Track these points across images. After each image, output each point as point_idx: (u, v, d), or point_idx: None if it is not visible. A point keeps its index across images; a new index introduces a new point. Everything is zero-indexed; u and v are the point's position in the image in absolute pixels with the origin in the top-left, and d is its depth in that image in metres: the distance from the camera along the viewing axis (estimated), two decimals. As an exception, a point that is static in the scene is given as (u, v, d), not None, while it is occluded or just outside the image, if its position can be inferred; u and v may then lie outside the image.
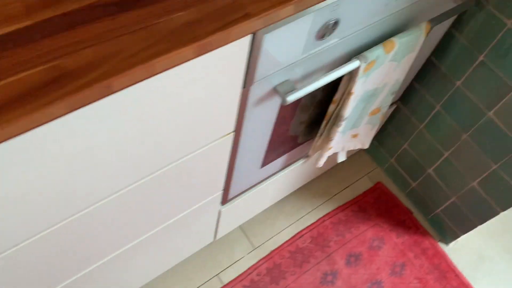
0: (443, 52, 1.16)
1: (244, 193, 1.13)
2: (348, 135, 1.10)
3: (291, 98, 0.73)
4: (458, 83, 1.17)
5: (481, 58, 1.08)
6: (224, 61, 0.59)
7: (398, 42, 0.82)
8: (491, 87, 1.08)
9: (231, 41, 0.54)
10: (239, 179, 1.01)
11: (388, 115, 1.41)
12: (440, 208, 1.45)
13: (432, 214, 1.49)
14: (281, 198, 1.48)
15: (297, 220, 1.49)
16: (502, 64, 1.03)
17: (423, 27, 0.85)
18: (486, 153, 1.19)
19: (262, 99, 0.76)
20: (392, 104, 1.36)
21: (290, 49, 0.67)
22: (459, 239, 1.46)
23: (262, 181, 1.15)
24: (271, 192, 1.29)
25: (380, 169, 1.63)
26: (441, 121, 1.27)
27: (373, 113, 1.04)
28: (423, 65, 1.22)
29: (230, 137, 0.79)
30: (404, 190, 1.57)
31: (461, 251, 1.50)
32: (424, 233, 1.52)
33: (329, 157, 1.27)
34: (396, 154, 1.52)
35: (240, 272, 1.36)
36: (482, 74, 1.09)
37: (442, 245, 1.50)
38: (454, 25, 1.10)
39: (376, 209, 1.54)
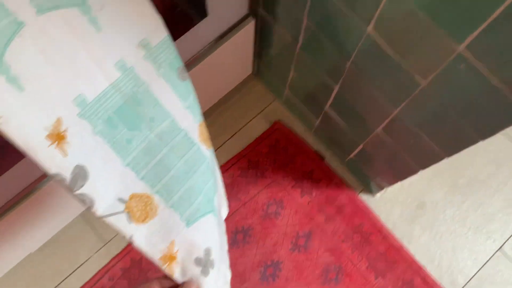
0: None
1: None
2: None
3: None
4: (315, -21, 0.65)
5: None
6: None
7: None
8: (360, -17, 0.58)
9: None
10: None
11: (252, 29, 0.91)
12: (353, 154, 1.02)
13: (349, 158, 1.07)
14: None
15: (163, 194, 1.10)
16: None
17: None
18: (381, 91, 0.72)
19: None
20: (247, 16, 0.85)
21: None
22: (389, 187, 1.04)
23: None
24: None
25: (278, 102, 1.17)
26: (315, 41, 0.78)
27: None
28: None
29: None
30: (310, 128, 1.13)
31: (393, 201, 1.10)
32: (339, 184, 1.11)
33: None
34: (288, 82, 1.04)
35: (85, 280, 1.03)
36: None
37: (366, 198, 1.10)
38: None
39: (274, 160, 1.12)
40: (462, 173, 1.12)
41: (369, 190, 1.10)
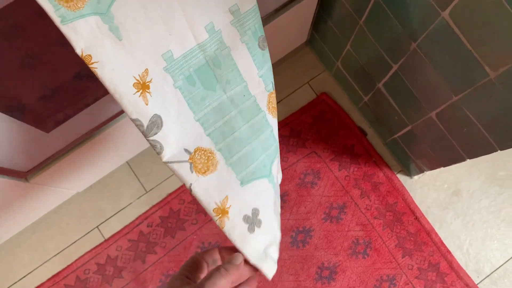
0: None
1: (61, 156, 0.78)
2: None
3: None
4: (396, -44, 0.64)
5: None
6: None
7: None
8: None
9: None
10: (16, 157, 0.66)
11: (315, 0, 0.91)
12: (398, 135, 1.02)
13: (392, 138, 1.07)
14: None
15: (205, 151, 1.13)
16: None
17: None
18: (443, 76, 0.72)
19: None
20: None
21: None
22: (428, 171, 1.05)
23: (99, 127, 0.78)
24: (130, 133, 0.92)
25: (328, 74, 1.17)
26: (382, 17, 0.77)
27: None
28: None
29: None
30: (357, 104, 1.13)
31: (430, 185, 1.11)
32: (379, 162, 1.12)
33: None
34: (341, 56, 1.04)
35: (125, 223, 1.08)
36: None
37: (403, 178, 1.11)
38: None
39: (316, 131, 1.13)
40: (504, 165, 1.11)
41: (408, 171, 1.11)
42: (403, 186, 1.10)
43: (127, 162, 1.10)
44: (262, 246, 0.56)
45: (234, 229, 0.57)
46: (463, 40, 0.62)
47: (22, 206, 0.89)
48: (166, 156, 0.48)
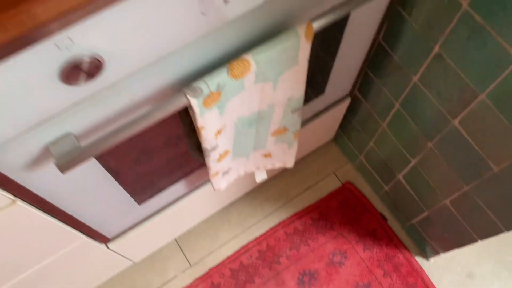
0: (394, 36, 0.84)
1: (137, 227, 0.93)
2: (258, 155, 0.85)
3: (66, 165, 0.49)
4: (415, 78, 0.85)
5: (436, 49, 0.76)
6: None
7: (255, 60, 0.55)
8: (453, 88, 0.77)
9: None
10: (108, 223, 0.81)
11: (346, 106, 1.12)
12: (415, 220, 1.18)
13: (409, 224, 1.22)
14: (225, 205, 1.26)
15: (244, 230, 1.27)
16: (461, 59, 0.72)
17: (301, 30, 0.56)
18: (455, 170, 0.90)
19: (38, 162, 0.53)
20: (346, 96, 1.06)
21: (19, 107, 0.43)
22: (442, 253, 1.18)
23: (169, 204, 0.94)
24: (197, 206, 1.08)
25: (351, 166, 1.35)
26: (403, 122, 0.97)
27: (278, 133, 0.78)
28: (375, 51, 0.91)
29: (18, 207, 0.57)
30: (378, 193, 1.30)
31: (445, 268, 1.23)
32: (398, 245, 1.25)
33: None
34: (364, 151, 1.23)
35: (171, 295, 1.19)
36: (440, 70, 0.78)
37: (421, 261, 1.24)
38: (400, 3, 0.77)
39: (342, 215, 1.29)
40: (511, 251, 1.24)
41: (425, 254, 1.24)
42: (421, 268, 1.22)
43: (175, 238, 1.24)
44: None
45: None
46: (470, 142, 0.80)
47: (86, 270, 1.01)
48: None
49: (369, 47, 0.88)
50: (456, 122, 0.81)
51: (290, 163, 0.91)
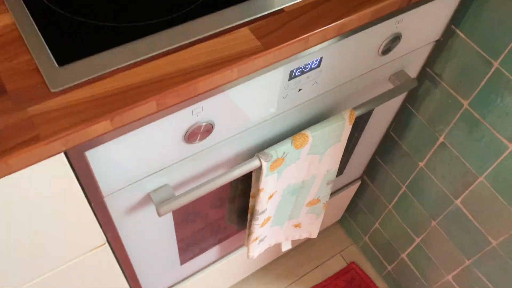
0: (402, 128, 1.02)
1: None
2: (289, 225, 0.96)
3: (165, 209, 0.60)
4: (421, 164, 1.01)
5: (441, 139, 0.93)
6: (41, 180, 0.48)
7: (312, 135, 0.69)
8: (456, 172, 0.93)
9: (30, 164, 0.43)
10: (150, 281, 0.88)
11: (356, 188, 1.26)
12: (418, 299, 1.26)
13: (412, 303, 1.30)
14: (238, 281, 1.33)
15: (256, 306, 1.33)
16: (463, 147, 0.88)
17: (346, 115, 0.72)
18: (457, 245, 1.02)
19: (136, 207, 0.63)
20: (357, 179, 1.21)
21: (143, 160, 0.55)
22: (443, 334, 1.25)
23: (194, 273, 1.01)
24: (216, 279, 1.15)
25: (355, 247, 1.46)
26: (408, 203, 1.11)
27: (311, 203, 0.91)
28: (384, 140, 1.08)
29: (104, 249, 0.66)
30: (380, 273, 1.39)
31: None
32: (402, 325, 1.32)
33: (274, 245, 1.14)
34: (369, 233, 1.35)
35: None
36: (444, 157, 0.94)
37: None
38: (409, 101, 0.96)
39: (348, 294, 1.36)
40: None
41: (427, 335, 1.30)
42: None
43: None
44: None
45: None
46: (471, 218, 0.94)
47: None
48: None
49: (382, 136, 1.05)
50: (458, 201, 0.96)
51: (315, 233, 1.02)
